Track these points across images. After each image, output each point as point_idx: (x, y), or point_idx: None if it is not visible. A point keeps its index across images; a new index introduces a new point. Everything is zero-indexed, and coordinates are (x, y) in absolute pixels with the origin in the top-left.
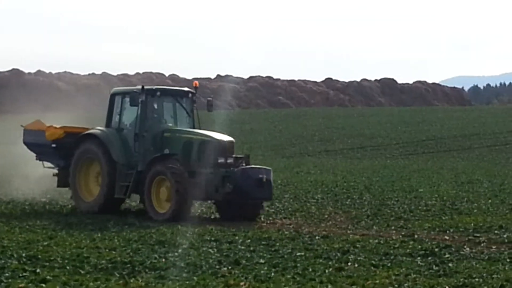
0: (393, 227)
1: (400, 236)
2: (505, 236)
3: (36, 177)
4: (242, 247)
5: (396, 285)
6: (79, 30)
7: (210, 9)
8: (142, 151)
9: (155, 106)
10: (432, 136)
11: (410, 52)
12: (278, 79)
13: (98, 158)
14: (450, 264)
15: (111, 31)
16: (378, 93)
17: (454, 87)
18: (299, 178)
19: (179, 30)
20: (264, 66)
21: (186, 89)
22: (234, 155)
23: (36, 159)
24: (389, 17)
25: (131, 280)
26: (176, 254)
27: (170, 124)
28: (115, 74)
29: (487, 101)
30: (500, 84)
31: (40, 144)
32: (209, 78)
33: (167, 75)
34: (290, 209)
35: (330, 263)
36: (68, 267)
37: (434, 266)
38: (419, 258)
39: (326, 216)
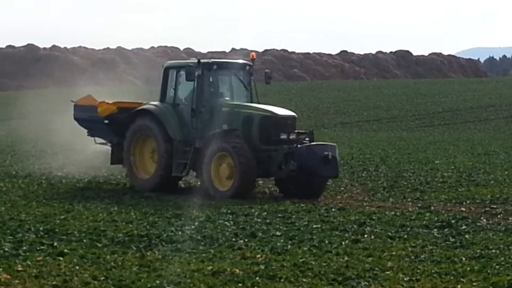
0: (409, 199)
1: (417, 208)
2: None
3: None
4: (259, 220)
5: (413, 257)
6: (94, 4)
7: None
8: (199, 127)
9: (212, 80)
10: (448, 108)
11: (425, 24)
12: (293, 52)
13: (154, 134)
14: (466, 236)
15: (126, 4)
16: (393, 65)
17: (469, 59)
18: None
19: (192, 3)
20: (279, 39)
21: (243, 61)
22: (296, 131)
23: (88, 135)
24: None
25: (148, 253)
26: (192, 227)
27: (227, 98)
28: (130, 48)
29: (503, 72)
30: None
31: (92, 120)
32: (224, 52)
33: (182, 49)
34: None
35: (346, 235)
36: (85, 241)
37: (450, 237)
38: (435, 230)
39: (342, 188)
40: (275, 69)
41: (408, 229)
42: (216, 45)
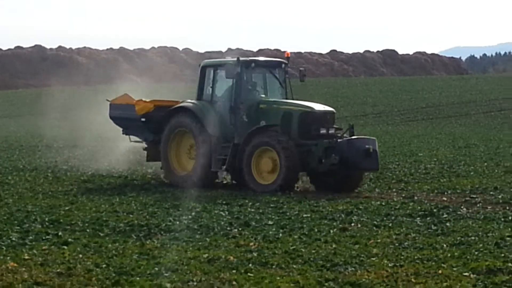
0: (394, 190)
1: (401, 198)
2: (499, 197)
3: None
4: (252, 210)
5: (397, 244)
6: (98, 8)
7: None
8: (238, 124)
9: (250, 77)
10: (431, 104)
11: (410, 25)
12: (285, 52)
13: (191, 131)
14: (447, 224)
15: (127, 9)
16: (380, 63)
17: (452, 57)
18: None
19: (189, 6)
20: (273, 39)
21: (279, 60)
22: (335, 126)
23: (123, 133)
24: None
25: (147, 242)
26: (189, 216)
27: (262, 95)
28: (131, 48)
29: (483, 70)
30: (496, 53)
31: (128, 119)
32: (221, 51)
33: (180, 49)
34: None
35: (334, 223)
36: (88, 230)
37: (432, 225)
38: (418, 218)
39: None
40: None
41: (393, 217)
42: (213, 45)
